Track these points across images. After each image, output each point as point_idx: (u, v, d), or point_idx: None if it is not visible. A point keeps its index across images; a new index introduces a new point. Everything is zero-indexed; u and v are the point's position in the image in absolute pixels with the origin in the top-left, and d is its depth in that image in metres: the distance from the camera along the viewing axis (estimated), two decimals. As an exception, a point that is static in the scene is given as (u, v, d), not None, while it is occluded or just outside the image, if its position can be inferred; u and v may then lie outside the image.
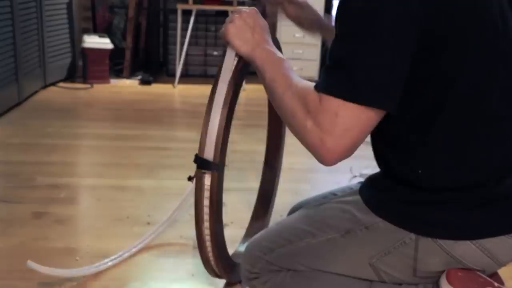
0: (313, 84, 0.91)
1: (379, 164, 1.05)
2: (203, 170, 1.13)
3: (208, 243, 1.19)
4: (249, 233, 1.56)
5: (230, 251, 1.47)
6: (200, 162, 1.13)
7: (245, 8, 1.14)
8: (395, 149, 0.98)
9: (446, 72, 0.89)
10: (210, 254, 1.22)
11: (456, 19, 0.87)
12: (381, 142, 1.01)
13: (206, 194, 1.14)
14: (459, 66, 0.89)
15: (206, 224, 1.16)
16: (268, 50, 1.06)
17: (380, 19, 0.83)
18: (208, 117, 1.14)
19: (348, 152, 0.86)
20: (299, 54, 4.47)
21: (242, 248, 1.46)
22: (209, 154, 1.13)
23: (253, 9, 1.14)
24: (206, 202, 1.14)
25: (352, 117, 0.84)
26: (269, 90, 1.00)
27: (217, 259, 1.23)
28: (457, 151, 0.93)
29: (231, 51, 1.13)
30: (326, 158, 0.86)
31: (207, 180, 1.12)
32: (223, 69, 1.14)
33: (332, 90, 0.85)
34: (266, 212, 1.59)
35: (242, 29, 1.10)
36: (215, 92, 1.13)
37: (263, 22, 1.12)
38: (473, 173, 0.93)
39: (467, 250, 0.94)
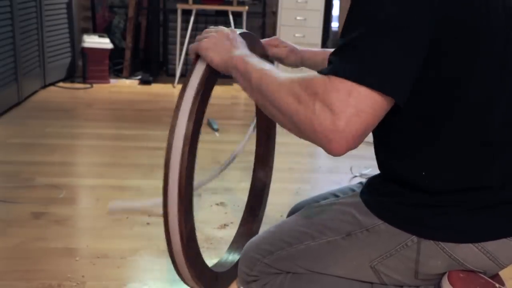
0: (315, 73, 0.88)
1: (381, 166, 1.04)
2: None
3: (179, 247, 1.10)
4: (235, 243, 1.48)
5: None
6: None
7: (222, 27, 1.11)
8: (398, 151, 0.97)
9: (456, 75, 0.88)
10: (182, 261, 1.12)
11: (469, 18, 0.86)
12: (384, 143, 1.00)
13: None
14: (469, 69, 0.88)
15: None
16: (247, 53, 1.02)
17: (399, 4, 0.81)
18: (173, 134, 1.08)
19: (358, 139, 0.82)
20: (299, 54, 4.46)
21: (227, 258, 1.42)
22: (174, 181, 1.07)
23: (231, 29, 1.11)
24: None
25: (366, 99, 0.80)
26: (258, 90, 0.94)
27: (190, 267, 1.12)
28: (461, 154, 0.92)
29: (201, 64, 1.07)
30: (337, 143, 0.81)
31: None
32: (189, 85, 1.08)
33: (344, 71, 0.81)
34: (254, 222, 1.54)
35: (217, 42, 1.05)
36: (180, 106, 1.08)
37: (241, 39, 1.08)
38: (477, 176, 0.93)
39: (469, 253, 0.93)
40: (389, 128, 0.93)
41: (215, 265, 1.35)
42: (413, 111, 0.90)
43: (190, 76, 1.07)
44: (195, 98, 1.06)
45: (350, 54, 0.83)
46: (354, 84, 0.80)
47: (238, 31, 1.14)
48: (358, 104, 0.80)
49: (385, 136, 0.98)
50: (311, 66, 1.34)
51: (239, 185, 2.41)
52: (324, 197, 1.25)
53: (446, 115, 0.90)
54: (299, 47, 1.37)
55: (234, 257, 1.40)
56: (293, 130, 0.88)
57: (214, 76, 1.08)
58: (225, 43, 1.05)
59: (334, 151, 0.83)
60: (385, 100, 0.82)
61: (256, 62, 0.98)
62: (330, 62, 0.86)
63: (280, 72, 0.92)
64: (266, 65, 0.96)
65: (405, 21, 0.81)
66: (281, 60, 1.37)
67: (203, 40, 1.07)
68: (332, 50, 1.23)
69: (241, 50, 1.03)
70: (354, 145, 0.82)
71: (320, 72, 0.85)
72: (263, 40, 1.35)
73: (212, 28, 1.10)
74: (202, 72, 1.06)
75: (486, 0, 0.87)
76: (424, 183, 0.94)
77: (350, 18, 0.86)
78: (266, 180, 1.57)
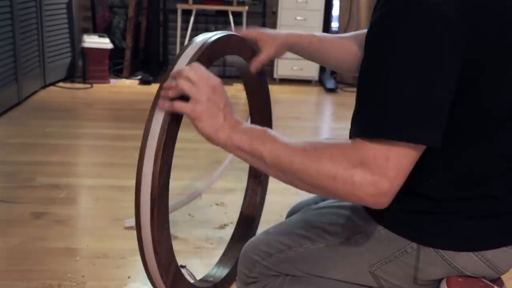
0: (338, 141, 0.85)
1: None
2: None
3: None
4: (225, 257, 1.45)
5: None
6: None
7: (194, 70, 0.94)
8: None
9: (481, 97, 0.86)
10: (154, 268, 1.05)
11: (495, 48, 0.84)
12: None
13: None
14: (497, 82, 0.86)
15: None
16: (246, 129, 0.92)
17: (422, 48, 0.78)
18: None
19: (399, 188, 0.81)
20: (299, 54, 4.46)
21: (214, 272, 1.40)
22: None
23: (214, 83, 0.94)
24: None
25: (403, 157, 0.79)
26: (277, 166, 0.87)
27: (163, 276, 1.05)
28: (472, 165, 0.91)
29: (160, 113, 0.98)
30: (383, 202, 0.81)
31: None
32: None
33: (377, 133, 0.79)
34: (247, 236, 1.50)
35: (207, 109, 0.92)
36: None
37: (226, 96, 0.96)
38: (484, 186, 0.92)
39: (469, 261, 0.93)
40: None
41: (203, 278, 1.34)
42: None
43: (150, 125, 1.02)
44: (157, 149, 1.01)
45: (378, 110, 0.80)
46: (389, 142, 0.78)
47: (223, 33, 1.11)
48: (397, 164, 0.79)
49: None
50: (298, 52, 1.27)
51: (239, 185, 2.41)
52: (323, 198, 1.25)
53: (462, 128, 0.88)
54: (276, 32, 1.25)
55: (222, 272, 1.38)
56: (329, 196, 0.89)
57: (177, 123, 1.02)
58: (219, 115, 0.93)
59: (380, 207, 0.83)
60: (421, 147, 0.81)
61: (259, 136, 0.90)
62: (356, 119, 0.83)
63: (292, 143, 0.87)
64: (271, 136, 0.90)
65: (427, 64, 0.78)
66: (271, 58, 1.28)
67: (196, 106, 0.92)
68: (318, 33, 1.19)
69: (235, 120, 0.94)
70: (396, 192, 0.82)
71: (353, 134, 0.82)
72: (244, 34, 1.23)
73: (189, 72, 0.94)
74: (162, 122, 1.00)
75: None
76: (425, 190, 0.93)
77: (369, 68, 0.83)
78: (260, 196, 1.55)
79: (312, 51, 1.26)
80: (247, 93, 1.43)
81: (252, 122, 1.47)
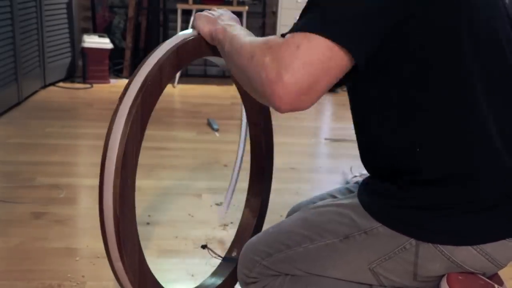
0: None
1: (370, 160, 1.03)
2: None
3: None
4: (218, 271, 1.43)
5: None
6: None
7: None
8: (394, 157, 0.96)
9: (426, 60, 0.87)
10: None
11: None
12: (377, 148, 0.99)
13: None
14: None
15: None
16: (231, 23, 1.06)
17: None
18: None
19: (305, 94, 0.79)
20: (299, 54, 4.46)
21: (209, 282, 1.40)
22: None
23: (223, 8, 1.17)
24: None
25: (315, 50, 0.78)
26: (228, 55, 0.97)
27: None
28: (458, 155, 0.92)
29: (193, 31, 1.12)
30: (281, 96, 0.79)
31: None
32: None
33: (299, 27, 0.82)
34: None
35: (207, 14, 1.12)
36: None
37: (234, 16, 1.15)
38: (473, 181, 0.92)
39: (468, 255, 0.93)
40: (374, 107, 0.94)
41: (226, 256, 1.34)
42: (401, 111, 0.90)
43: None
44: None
45: (309, 14, 0.84)
46: (307, 35, 0.80)
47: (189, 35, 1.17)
48: (306, 55, 0.79)
49: (371, 116, 0.97)
50: None
51: (239, 185, 2.41)
52: (322, 198, 1.25)
53: (418, 111, 0.90)
54: None
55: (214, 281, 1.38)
56: (251, 90, 0.88)
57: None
58: (213, 15, 1.11)
59: (278, 105, 0.81)
60: (338, 51, 0.80)
61: (233, 29, 1.01)
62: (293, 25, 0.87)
63: (250, 33, 0.96)
64: (242, 31, 0.99)
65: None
66: None
67: (200, 13, 1.13)
68: None
69: (227, 21, 1.08)
70: (299, 101, 0.80)
71: (281, 35, 0.86)
72: None
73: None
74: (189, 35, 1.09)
75: None
76: (426, 186, 0.93)
77: None
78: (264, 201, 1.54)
79: None
80: (240, 93, 1.42)
81: (249, 121, 1.47)
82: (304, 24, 0.82)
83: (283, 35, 0.85)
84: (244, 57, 0.87)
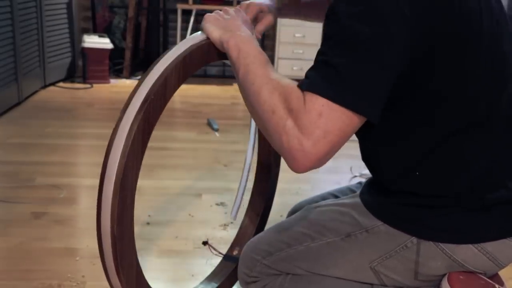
0: (296, 82, 0.88)
1: (375, 172, 1.04)
2: None
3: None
4: (217, 271, 1.41)
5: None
6: None
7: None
8: (394, 156, 0.96)
9: (438, 90, 0.88)
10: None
11: (451, 38, 0.85)
12: (377, 150, 0.99)
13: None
14: (452, 84, 0.88)
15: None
16: (243, 37, 0.98)
17: (375, 26, 0.81)
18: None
19: (323, 159, 0.83)
20: (299, 54, 4.46)
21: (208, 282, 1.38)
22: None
23: (237, 8, 1.12)
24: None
25: (336, 119, 0.81)
26: (243, 83, 0.93)
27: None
28: (453, 159, 0.92)
29: (202, 34, 1.05)
30: (300, 162, 0.82)
31: None
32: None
33: (319, 89, 0.82)
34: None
35: (218, 17, 1.06)
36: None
37: (245, 17, 1.09)
38: (473, 180, 0.93)
39: (469, 254, 0.94)
40: (379, 135, 0.93)
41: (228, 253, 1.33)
42: (400, 119, 0.91)
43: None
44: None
45: (326, 71, 0.83)
46: (327, 102, 0.81)
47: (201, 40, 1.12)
48: (328, 125, 0.81)
49: (376, 144, 0.98)
50: (287, 14, 1.29)
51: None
52: (324, 197, 1.25)
53: (428, 125, 0.90)
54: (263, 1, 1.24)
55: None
56: (264, 133, 0.89)
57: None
58: (222, 18, 1.05)
59: (296, 169, 0.84)
60: (358, 119, 0.82)
61: (249, 50, 0.96)
62: (307, 76, 0.86)
63: (268, 70, 0.91)
64: (258, 56, 0.94)
65: (378, 40, 0.81)
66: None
67: (209, 14, 1.08)
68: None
69: (241, 33, 1.01)
70: (318, 165, 0.83)
71: (299, 85, 0.86)
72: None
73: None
74: (198, 41, 1.03)
75: (465, 3, 0.86)
76: (427, 185, 0.93)
77: (326, 33, 0.86)
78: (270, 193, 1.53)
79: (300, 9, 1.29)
80: None
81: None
82: (323, 87, 0.82)
83: (301, 85, 0.85)
84: (262, 107, 0.87)
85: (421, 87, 0.87)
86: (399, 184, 0.96)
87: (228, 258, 1.43)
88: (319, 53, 0.86)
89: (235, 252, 1.43)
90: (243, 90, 0.93)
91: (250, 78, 0.91)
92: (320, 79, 0.83)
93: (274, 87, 0.87)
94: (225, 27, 1.02)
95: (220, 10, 1.10)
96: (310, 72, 0.86)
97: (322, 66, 0.84)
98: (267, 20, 1.20)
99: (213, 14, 1.07)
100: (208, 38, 1.03)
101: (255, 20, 1.19)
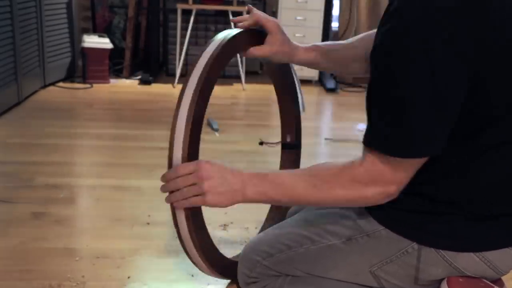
0: (338, 164, 0.92)
1: None
2: None
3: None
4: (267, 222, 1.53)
5: (230, 251, 1.47)
6: None
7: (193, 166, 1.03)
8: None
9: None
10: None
11: (504, 59, 0.84)
12: None
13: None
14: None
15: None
16: (253, 180, 0.97)
17: (431, 63, 0.79)
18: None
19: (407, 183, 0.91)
20: (299, 54, 4.46)
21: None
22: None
23: (202, 164, 1.02)
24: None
25: (410, 168, 0.87)
26: (293, 203, 1.03)
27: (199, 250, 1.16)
28: (466, 168, 0.91)
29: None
30: (393, 198, 0.91)
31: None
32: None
33: (387, 150, 0.85)
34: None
35: (212, 187, 0.98)
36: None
37: (207, 173, 0.99)
38: (481, 190, 0.92)
39: (470, 262, 0.93)
40: None
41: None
42: None
43: (189, 76, 1.08)
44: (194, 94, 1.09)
45: (390, 125, 0.84)
46: (399, 159, 0.85)
47: (235, 31, 1.13)
48: (404, 174, 0.87)
49: None
50: (304, 64, 1.26)
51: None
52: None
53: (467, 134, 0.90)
54: (286, 38, 1.21)
55: None
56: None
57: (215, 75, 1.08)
58: (223, 184, 0.98)
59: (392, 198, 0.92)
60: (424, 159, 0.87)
61: (270, 183, 0.97)
62: (368, 132, 0.88)
63: (300, 179, 0.94)
64: (279, 178, 0.96)
65: (441, 81, 0.80)
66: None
67: (201, 186, 0.99)
68: (323, 44, 1.21)
69: (244, 180, 0.98)
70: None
71: (367, 143, 0.88)
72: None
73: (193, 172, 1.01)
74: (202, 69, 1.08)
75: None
76: (431, 191, 0.93)
77: (376, 78, 0.86)
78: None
79: (317, 63, 1.26)
80: (277, 93, 1.49)
81: (282, 122, 1.54)
82: (392, 145, 0.85)
83: (369, 144, 0.89)
84: (333, 204, 0.96)
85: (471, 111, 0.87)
86: (405, 187, 0.95)
87: (286, 145, 1.55)
88: (372, 96, 0.87)
89: (288, 139, 1.54)
90: (303, 205, 1.03)
91: (299, 200, 0.96)
92: (387, 134, 0.85)
93: (328, 187, 0.92)
94: (225, 192, 0.98)
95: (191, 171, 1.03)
96: (372, 128, 0.88)
97: (383, 117, 0.86)
98: (266, 50, 1.18)
99: (200, 184, 0.98)
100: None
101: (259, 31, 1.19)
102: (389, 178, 0.87)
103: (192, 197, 0.98)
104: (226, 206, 0.99)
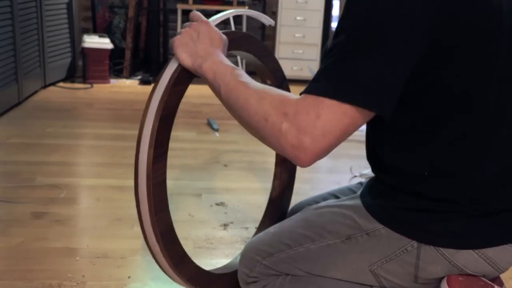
0: (285, 92, 0.88)
1: (379, 172, 1.03)
2: None
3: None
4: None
5: (230, 251, 1.47)
6: None
7: (200, 21, 1.06)
8: (399, 156, 0.96)
9: (450, 85, 0.86)
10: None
11: (469, 30, 0.84)
12: (383, 149, 0.99)
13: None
14: (466, 82, 0.86)
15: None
16: (215, 61, 0.98)
17: (388, 22, 0.79)
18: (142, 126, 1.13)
19: (325, 153, 0.83)
20: (299, 54, 4.47)
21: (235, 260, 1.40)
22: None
23: (204, 21, 1.05)
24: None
25: (335, 119, 0.79)
26: (227, 101, 0.93)
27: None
28: (462, 165, 0.92)
29: (174, 62, 1.05)
30: (302, 159, 0.82)
31: None
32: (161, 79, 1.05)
33: (317, 90, 0.81)
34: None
35: (186, 41, 1.02)
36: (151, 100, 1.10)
37: (214, 35, 1.04)
38: (477, 186, 0.92)
39: (469, 259, 0.93)
40: (386, 134, 0.93)
41: (225, 266, 1.34)
42: (409, 118, 0.90)
43: (162, 73, 1.05)
44: (163, 96, 1.06)
45: (328, 73, 0.82)
46: (331, 103, 0.79)
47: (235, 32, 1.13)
48: (327, 125, 0.80)
49: (384, 142, 0.97)
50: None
51: (239, 185, 2.41)
52: (324, 197, 1.25)
53: (440, 126, 0.89)
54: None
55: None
56: (263, 142, 0.89)
57: (188, 74, 1.06)
58: (199, 44, 1.02)
59: (300, 164, 0.84)
60: (360, 114, 0.81)
61: (224, 71, 0.96)
62: (312, 80, 0.85)
63: (250, 83, 0.91)
64: (235, 73, 0.94)
65: (394, 40, 0.79)
66: None
67: (177, 37, 1.04)
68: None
69: (212, 56, 1.00)
70: (321, 158, 0.84)
71: (302, 93, 0.85)
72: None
73: (189, 23, 1.06)
74: (173, 71, 1.04)
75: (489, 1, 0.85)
76: (429, 189, 0.93)
77: (338, 32, 0.85)
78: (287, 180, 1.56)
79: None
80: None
81: None
82: (322, 88, 0.81)
83: (302, 93, 0.84)
84: (254, 118, 0.87)
85: (437, 81, 0.86)
86: (404, 185, 0.95)
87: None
88: (329, 48, 0.85)
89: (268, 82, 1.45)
90: (230, 108, 0.94)
91: (234, 95, 0.91)
92: (320, 80, 0.82)
93: (262, 96, 0.87)
94: (195, 53, 1.01)
95: (190, 21, 1.06)
96: (312, 80, 0.85)
97: (325, 68, 0.83)
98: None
99: (182, 36, 1.03)
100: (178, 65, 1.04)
101: None
102: (308, 123, 0.80)
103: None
104: (183, 64, 1.01)
